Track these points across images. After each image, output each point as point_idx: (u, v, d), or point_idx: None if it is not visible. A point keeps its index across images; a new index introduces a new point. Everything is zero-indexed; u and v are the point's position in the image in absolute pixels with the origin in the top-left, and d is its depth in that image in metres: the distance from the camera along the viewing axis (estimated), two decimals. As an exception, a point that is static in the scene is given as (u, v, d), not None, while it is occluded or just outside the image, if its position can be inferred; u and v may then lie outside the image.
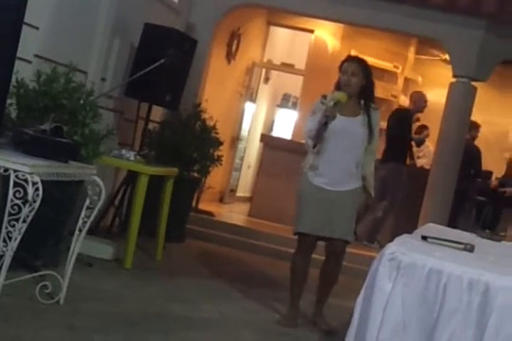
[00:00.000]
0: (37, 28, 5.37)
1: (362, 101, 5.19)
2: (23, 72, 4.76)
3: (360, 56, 5.37)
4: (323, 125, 4.85)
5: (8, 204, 3.61)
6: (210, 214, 8.85)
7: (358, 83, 5.13)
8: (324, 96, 5.11)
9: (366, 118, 5.13)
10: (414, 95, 9.08)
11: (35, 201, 3.62)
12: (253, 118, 12.02)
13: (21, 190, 3.60)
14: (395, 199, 8.57)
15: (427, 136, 9.55)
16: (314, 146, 5.03)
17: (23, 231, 3.66)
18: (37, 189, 3.62)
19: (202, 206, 8.94)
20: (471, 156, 8.98)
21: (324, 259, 5.33)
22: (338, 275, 5.33)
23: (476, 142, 9.60)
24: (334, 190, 5.08)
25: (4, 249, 3.64)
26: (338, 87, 5.18)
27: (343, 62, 5.24)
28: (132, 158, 6.06)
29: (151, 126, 7.25)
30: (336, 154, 5.06)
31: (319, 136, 4.94)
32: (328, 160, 5.08)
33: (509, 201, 9.80)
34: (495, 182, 10.04)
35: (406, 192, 8.60)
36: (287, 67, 12.05)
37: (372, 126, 5.15)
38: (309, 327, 5.22)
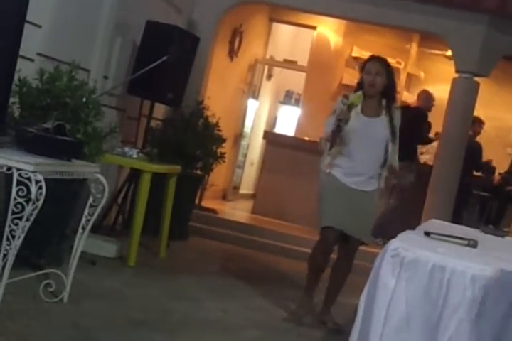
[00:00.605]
0: (39, 27, 5.37)
1: (384, 101, 5.14)
2: (26, 70, 4.76)
3: (381, 56, 5.32)
4: (337, 128, 4.85)
5: (12, 202, 3.61)
6: (213, 211, 8.85)
7: (382, 83, 5.09)
8: (346, 96, 5.02)
9: (388, 118, 5.10)
10: (422, 94, 9.07)
11: (38, 199, 3.62)
12: (256, 115, 12.02)
13: (24, 189, 3.60)
14: (402, 197, 8.56)
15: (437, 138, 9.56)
16: (330, 148, 5.03)
17: (26, 229, 3.67)
18: (40, 187, 3.62)
19: (205, 203, 8.94)
20: (472, 152, 8.97)
21: (336, 257, 5.31)
22: (349, 274, 5.27)
23: (479, 137, 9.59)
24: (357, 189, 5.05)
25: (8, 247, 3.64)
26: (361, 87, 5.14)
27: (366, 62, 5.22)
28: (135, 156, 6.06)
29: (153, 123, 7.25)
30: (358, 154, 5.03)
31: (334, 138, 4.95)
32: (352, 160, 5.04)
33: None
34: (498, 178, 10.02)
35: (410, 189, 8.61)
36: (290, 64, 12.05)
37: (395, 126, 5.11)
38: (315, 326, 5.18)
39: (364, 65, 5.19)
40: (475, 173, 9.71)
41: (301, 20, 11.08)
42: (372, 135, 5.05)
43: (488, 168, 10.02)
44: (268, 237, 8.28)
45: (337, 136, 4.93)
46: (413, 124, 8.48)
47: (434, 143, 9.42)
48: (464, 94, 8.29)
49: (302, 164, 8.89)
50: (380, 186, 5.15)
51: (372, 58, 5.28)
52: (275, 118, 13.38)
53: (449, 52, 9.20)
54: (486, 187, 9.89)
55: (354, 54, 11.28)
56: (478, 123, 9.34)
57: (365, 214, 5.14)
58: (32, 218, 3.65)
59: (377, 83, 5.07)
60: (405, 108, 9.24)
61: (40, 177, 3.63)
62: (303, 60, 11.68)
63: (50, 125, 4.16)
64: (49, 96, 4.76)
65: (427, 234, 3.47)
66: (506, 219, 9.75)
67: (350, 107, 4.87)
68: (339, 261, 5.29)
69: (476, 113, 8.62)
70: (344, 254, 5.25)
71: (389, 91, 5.16)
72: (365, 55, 5.28)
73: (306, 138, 9.65)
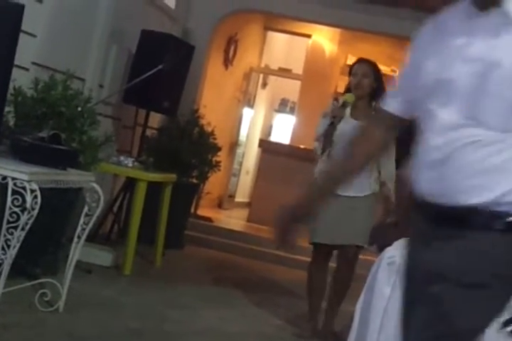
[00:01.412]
0: (34, 36, 5.37)
1: (374, 104, 5.00)
2: (21, 79, 4.76)
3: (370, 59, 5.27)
4: (329, 126, 4.84)
5: (7, 212, 3.60)
6: (209, 220, 8.85)
7: (369, 85, 5.03)
8: (336, 99, 5.04)
9: None
10: None
11: (33, 209, 3.62)
12: (251, 123, 12.03)
13: (20, 198, 3.60)
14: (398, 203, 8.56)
15: None
16: (323, 152, 4.96)
17: (21, 238, 3.66)
18: (35, 196, 3.62)
19: (201, 212, 8.94)
20: None
21: (336, 266, 5.16)
22: (351, 283, 5.05)
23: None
24: (348, 196, 4.79)
25: (3, 256, 3.63)
26: (349, 89, 5.10)
27: (353, 64, 5.19)
28: (130, 165, 6.06)
29: (149, 132, 7.26)
30: None
31: (327, 138, 4.89)
32: None
33: None
34: None
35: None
36: (285, 72, 12.07)
37: None
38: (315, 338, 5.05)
39: (352, 67, 5.16)
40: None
41: (296, 29, 11.10)
42: None
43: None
44: (264, 245, 8.26)
45: (330, 135, 4.87)
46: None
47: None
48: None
49: (298, 172, 8.84)
50: (372, 190, 4.96)
51: (360, 60, 5.23)
52: (270, 127, 13.39)
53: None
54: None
55: (349, 62, 11.23)
56: None
57: (357, 220, 4.93)
58: (27, 227, 3.65)
59: (363, 85, 5.01)
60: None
61: (35, 186, 3.63)
62: (298, 69, 11.70)
63: (46, 134, 4.16)
64: (44, 105, 4.76)
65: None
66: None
67: (345, 105, 4.88)
68: (339, 268, 5.14)
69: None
70: (343, 260, 5.08)
71: (378, 94, 4.95)
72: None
73: (302, 147, 9.65)
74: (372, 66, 5.12)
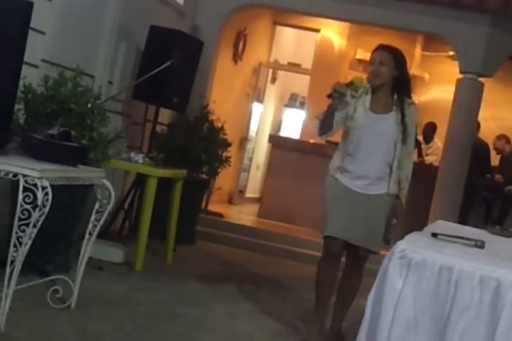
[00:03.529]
0: (43, 33, 5.38)
1: (395, 96, 4.63)
2: (31, 77, 4.77)
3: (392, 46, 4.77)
4: (328, 97, 4.43)
5: (18, 209, 3.61)
6: (220, 215, 8.85)
7: (388, 73, 4.58)
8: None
9: (399, 115, 4.57)
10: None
11: (44, 206, 3.62)
12: (261, 118, 12.02)
13: (31, 195, 3.60)
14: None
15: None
16: (321, 133, 4.64)
17: (33, 236, 3.67)
18: (46, 193, 3.62)
19: (211, 207, 8.94)
20: (479, 153, 8.95)
21: (344, 269, 4.88)
22: (359, 287, 4.80)
23: (483, 137, 9.58)
24: (364, 193, 4.60)
25: (15, 254, 3.64)
26: (368, 80, 4.68)
27: (373, 51, 4.70)
28: (141, 161, 6.07)
29: (158, 128, 7.26)
30: (366, 154, 4.57)
31: (326, 117, 4.53)
32: (359, 161, 4.58)
33: None
34: (498, 177, 9.97)
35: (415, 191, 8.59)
36: (294, 67, 12.06)
37: (407, 123, 4.57)
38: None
39: (371, 55, 4.71)
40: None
41: (305, 23, 11.09)
42: (380, 133, 4.57)
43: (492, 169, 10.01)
44: (275, 240, 8.28)
45: (331, 115, 4.50)
46: None
47: (440, 144, 9.42)
48: (469, 95, 8.28)
49: (308, 167, 8.89)
50: (390, 189, 4.62)
51: (379, 47, 4.72)
52: (280, 122, 13.37)
53: (453, 53, 9.18)
54: (491, 188, 9.87)
55: (358, 56, 11.26)
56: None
57: (372, 221, 4.62)
58: (39, 224, 3.66)
59: (381, 73, 4.57)
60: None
61: (46, 183, 3.64)
62: (307, 63, 11.68)
63: (56, 131, 4.16)
64: (54, 102, 4.77)
65: (434, 235, 3.47)
66: (511, 219, 9.73)
67: (350, 85, 4.46)
68: (348, 272, 4.87)
69: (481, 113, 8.60)
70: (352, 265, 4.84)
71: (400, 84, 4.64)
72: (369, 57, 4.88)
73: (312, 141, 9.64)
74: (393, 52, 4.64)
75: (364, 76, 4.78)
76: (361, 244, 4.67)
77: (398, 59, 4.64)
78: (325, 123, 4.59)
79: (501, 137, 10.12)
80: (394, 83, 4.63)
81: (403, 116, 4.58)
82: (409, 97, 4.72)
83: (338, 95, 4.42)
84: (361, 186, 4.62)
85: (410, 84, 4.82)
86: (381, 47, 4.71)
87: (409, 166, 4.68)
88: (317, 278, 4.77)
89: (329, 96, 4.45)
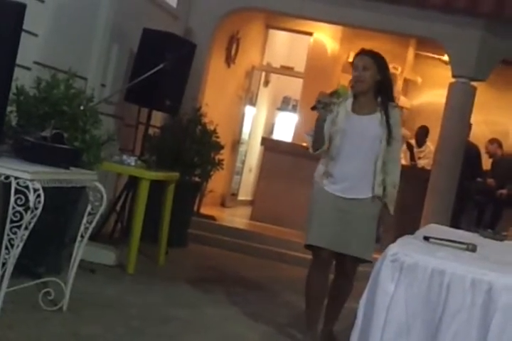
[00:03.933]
0: (36, 35, 5.38)
1: (379, 99, 4.62)
2: (23, 79, 4.77)
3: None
4: (312, 109, 4.45)
5: (10, 211, 3.61)
6: (212, 218, 8.85)
7: (371, 78, 4.57)
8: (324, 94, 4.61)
9: (384, 116, 4.53)
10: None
11: (36, 208, 3.62)
12: (253, 121, 12.03)
13: (23, 197, 3.60)
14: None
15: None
16: (315, 149, 4.60)
17: (25, 238, 3.66)
18: (38, 196, 3.62)
19: (203, 210, 8.94)
20: (471, 156, 8.97)
21: (334, 277, 4.81)
22: (351, 291, 4.74)
23: (475, 141, 9.61)
24: (350, 198, 4.53)
25: (6, 256, 3.64)
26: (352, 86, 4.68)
27: (355, 56, 4.71)
28: (133, 164, 6.06)
29: (151, 131, 7.25)
30: (351, 157, 4.53)
31: (317, 133, 4.52)
32: (343, 164, 4.54)
33: (509, 201, 9.79)
34: (490, 181, 9.98)
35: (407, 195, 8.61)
36: (287, 70, 12.06)
37: (392, 124, 4.53)
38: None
39: (353, 60, 4.71)
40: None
41: (298, 27, 11.10)
42: (363, 134, 4.53)
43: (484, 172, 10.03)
44: (267, 243, 8.28)
45: (321, 129, 4.48)
46: None
47: (432, 148, 9.44)
48: (461, 99, 8.30)
49: (300, 170, 8.88)
50: (375, 191, 4.54)
51: (361, 52, 4.72)
52: (273, 125, 13.39)
53: (445, 57, 9.21)
54: (482, 191, 9.89)
55: (351, 59, 11.23)
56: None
57: (361, 227, 4.55)
58: (30, 226, 3.65)
59: (364, 78, 4.57)
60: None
61: (38, 185, 3.63)
62: (300, 66, 11.69)
63: (48, 133, 4.16)
64: (46, 104, 4.76)
65: (426, 238, 3.48)
66: (503, 223, 9.74)
67: (334, 94, 4.46)
68: (337, 279, 4.79)
69: (473, 117, 8.63)
70: (341, 272, 4.75)
71: (383, 87, 4.64)
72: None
73: (304, 144, 9.61)
74: (374, 57, 4.65)
75: None
76: (346, 252, 4.57)
77: (380, 63, 4.65)
78: (317, 139, 4.57)
79: (493, 141, 10.14)
80: (377, 87, 4.63)
81: (388, 118, 4.55)
82: (393, 101, 4.71)
83: (322, 106, 4.44)
84: (344, 190, 4.56)
85: (393, 88, 4.83)
86: (362, 52, 4.71)
87: (396, 172, 4.62)
88: (306, 288, 4.71)
89: (313, 108, 4.46)
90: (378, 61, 4.65)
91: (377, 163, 4.54)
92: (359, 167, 4.56)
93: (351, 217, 4.55)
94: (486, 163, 9.97)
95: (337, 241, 4.54)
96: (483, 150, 9.78)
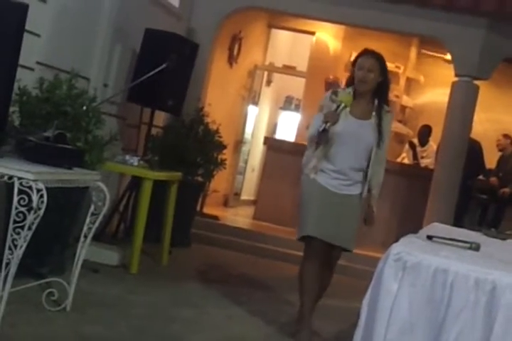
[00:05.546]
0: (38, 36, 5.38)
1: (376, 102, 4.78)
2: (26, 79, 4.76)
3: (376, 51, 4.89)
4: (323, 131, 4.54)
5: (13, 211, 3.61)
6: (215, 218, 8.85)
7: (374, 80, 4.72)
8: (335, 93, 4.73)
9: (377, 121, 4.73)
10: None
11: (40, 208, 3.62)
12: (256, 121, 12.03)
13: (26, 198, 3.60)
14: None
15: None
16: (318, 145, 4.73)
17: (28, 238, 3.66)
18: (41, 196, 3.62)
19: (207, 210, 8.94)
20: (473, 154, 8.97)
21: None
22: (330, 283, 4.96)
23: (479, 140, 9.60)
24: (340, 193, 4.74)
25: (10, 256, 3.64)
26: (351, 82, 4.80)
27: (358, 56, 4.80)
28: (136, 164, 6.06)
29: (154, 131, 7.25)
30: (345, 158, 4.70)
31: (320, 139, 4.66)
32: (336, 163, 4.71)
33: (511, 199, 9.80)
34: (493, 179, 9.98)
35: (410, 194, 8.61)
36: (289, 70, 12.07)
37: (383, 130, 4.74)
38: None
39: (357, 59, 4.81)
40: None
41: (300, 26, 11.10)
42: (359, 139, 4.70)
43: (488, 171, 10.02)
44: (270, 243, 8.28)
45: (323, 137, 4.62)
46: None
47: (435, 147, 9.43)
48: (464, 98, 8.29)
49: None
50: (363, 191, 4.78)
51: (366, 53, 4.82)
52: (275, 124, 13.39)
53: (448, 56, 9.20)
54: (485, 190, 9.88)
55: (353, 59, 11.27)
56: None
57: (349, 220, 4.78)
58: (34, 227, 3.65)
59: (369, 80, 4.71)
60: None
61: (41, 185, 3.63)
62: (302, 66, 11.69)
63: (51, 133, 4.16)
64: (49, 104, 4.77)
65: (430, 237, 3.47)
66: (506, 221, 9.74)
67: (340, 108, 4.57)
68: (321, 269, 4.85)
69: (476, 116, 8.62)
70: (326, 263, 4.86)
71: (382, 90, 4.80)
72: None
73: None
74: (379, 59, 4.78)
75: None
76: (337, 243, 4.78)
77: (383, 66, 4.80)
78: (319, 142, 4.73)
79: (508, 136, 10.15)
80: (376, 89, 4.79)
81: (380, 123, 4.75)
82: (388, 104, 4.90)
83: (331, 124, 4.55)
84: (338, 186, 4.76)
85: (389, 90, 4.97)
86: (367, 53, 4.83)
87: (381, 173, 4.86)
88: (299, 280, 4.84)
89: (324, 130, 4.55)
90: (381, 63, 4.79)
91: (369, 164, 4.76)
92: (353, 168, 4.76)
93: (342, 210, 4.76)
94: (491, 161, 9.94)
95: (329, 233, 4.73)
96: (485, 147, 9.73)
